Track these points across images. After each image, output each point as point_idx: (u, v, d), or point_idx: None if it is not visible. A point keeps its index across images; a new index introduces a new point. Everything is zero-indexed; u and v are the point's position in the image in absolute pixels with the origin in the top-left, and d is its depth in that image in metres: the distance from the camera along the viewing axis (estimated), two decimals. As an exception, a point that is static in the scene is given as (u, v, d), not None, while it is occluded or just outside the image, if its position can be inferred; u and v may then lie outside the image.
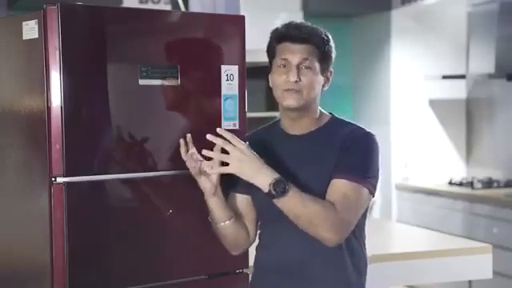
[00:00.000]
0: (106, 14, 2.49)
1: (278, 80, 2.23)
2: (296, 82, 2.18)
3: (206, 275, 2.69)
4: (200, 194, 2.61)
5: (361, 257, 2.29)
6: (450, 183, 5.90)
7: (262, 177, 2.10)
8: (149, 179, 2.56)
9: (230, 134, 2.15)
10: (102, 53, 2.46)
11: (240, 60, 2.71)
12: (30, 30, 2.42)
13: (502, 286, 5.03)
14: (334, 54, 2.26)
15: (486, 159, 6.08)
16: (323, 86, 2.26)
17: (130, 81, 2.49)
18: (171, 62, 2.57)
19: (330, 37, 2.26)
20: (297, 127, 2.27)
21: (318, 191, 2.16)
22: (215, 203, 2.28)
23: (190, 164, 2.28)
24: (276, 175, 2.10)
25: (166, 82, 2.55)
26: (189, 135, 2.29)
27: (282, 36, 2.24)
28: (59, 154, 2.38)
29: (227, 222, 2.29)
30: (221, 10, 3.61)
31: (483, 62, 5.63)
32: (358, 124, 2.30)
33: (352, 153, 2.18)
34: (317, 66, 2.21)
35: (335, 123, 2.29)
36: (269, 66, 2.31)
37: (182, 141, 2.30)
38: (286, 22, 2.28)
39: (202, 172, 2.25)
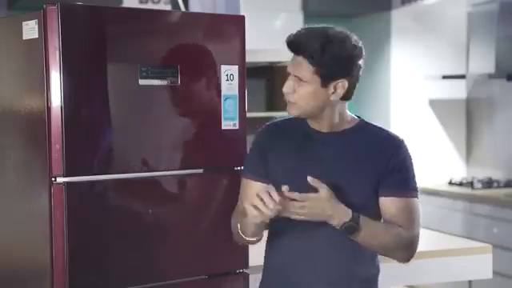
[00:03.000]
0: (106, 13, 2.49)
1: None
2: (287, 93, 2.17)
3: (206, 275, 2.69)
4: (201, 194, 2.62)
5: (375, 261, 2.29)
6: (450, 183, 5.90)
7: (334, 220, 2.09)
8: (149, 179, 2.56)
9: (296, 194, 2.07)
10: (102, 53, 2.46)
11: (240, 60, 2.71)
12: (30, 30, 2.42)
13: (502, 286, 5.02)
14: (338, 64, 2.11)
15: (486, 159, 6.08)
16: (329, 96, 2.15)
17: (130, 81, 2.50)
18: (171, 62, 2.57)
19: (337, 43, 2.10)
20: (323, 125, 2.23)
21: (349, 192, 2.16)
22: (255, 227, 2.17)
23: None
24: (347, 218, 2.09)
25: (166, 82, 2.56)
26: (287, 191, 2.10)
27: (288, 46, 2.17)
28: (59, 154, 2.38)
29: (255, 238, 2.23)
30: (221, 10, 3.61)
31: (483, 61, 5.63)
32: (385, 128, 2.29)
33: (401, 169, 2.21)
34: (312, 77, 2.12)
35: (365, 127, 2.27)
36: None
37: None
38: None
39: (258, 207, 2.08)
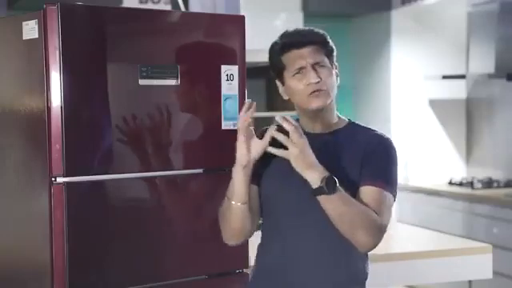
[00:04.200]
0: (106, 13, 2.49)
1: (299, 87, 2.19)
2: (318, 82, 2.18)
3: (206, 275, 2.69)
4: (201, 194, 2.62)
5: (365, 261, 2.29)
6: (450, 183, 5.90)
7: (315, 171, 2.10)
8: (149, 179, 2.56)
9: (297, 124, 2.13)
10: (102, 53, 2.46)
11: (240, 60, 2.71)
12: (30, 30, 2.42)
13: (502, 285, 5.03)
14: (335, 48, 2.28)
15: (486, 159, 6.08)
16: (337, 80, 2.27)
17: (129, 81, 2.50)
18: (171, 61, 2.57)
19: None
20: (317, 126, 2.26)
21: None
22: (241, 178, 2.19)
23: (242, 130, 2.17)
24: (327, 173, 2.10)
25: (166, 82, 2.56)
26: (254, 103, 2.21)
27: (285, 46, 2.21)
28: (59, 154, 2.38)
29: (240, 204, 2.21)
30: (221, 10, 3.61)
31: (483, 61, 5.63)
32: (374, 129, 2.32)
33: (377, 160, 2.21)
34: (327, 62, 2.22)
35: (354, 127, 2.31)
36: (276, 79, 2.27)
37: (247, 102, 2.17)
38: (280, 33, 2.27)
39: (246, 143, 2.15)
